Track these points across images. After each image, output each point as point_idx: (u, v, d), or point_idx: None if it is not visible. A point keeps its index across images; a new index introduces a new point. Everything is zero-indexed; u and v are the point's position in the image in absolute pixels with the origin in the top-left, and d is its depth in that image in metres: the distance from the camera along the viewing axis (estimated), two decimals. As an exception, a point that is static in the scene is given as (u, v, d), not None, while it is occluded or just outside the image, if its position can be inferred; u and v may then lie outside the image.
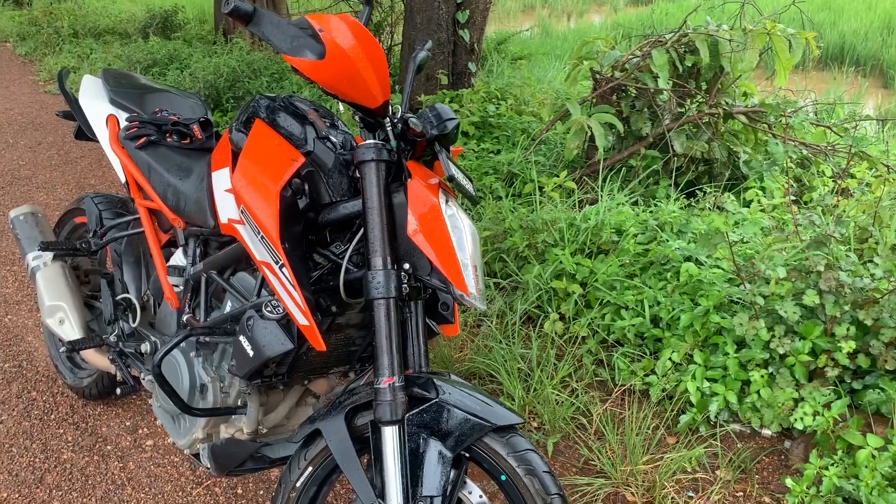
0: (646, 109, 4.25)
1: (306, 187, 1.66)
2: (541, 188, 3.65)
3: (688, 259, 2.79)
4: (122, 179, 2.17)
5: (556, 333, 2.74)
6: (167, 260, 2.11)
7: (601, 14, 14.40)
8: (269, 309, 1.62)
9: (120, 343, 2.18)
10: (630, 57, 4.30)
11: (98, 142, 2.27)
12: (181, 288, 2.03)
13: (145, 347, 2.07)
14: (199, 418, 1.86)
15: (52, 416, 2.55)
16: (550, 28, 11.53)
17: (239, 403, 1.85)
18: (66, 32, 8.58)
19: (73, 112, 2.31)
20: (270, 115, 1.76)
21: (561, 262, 2.91)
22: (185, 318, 1.97)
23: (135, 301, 2.17)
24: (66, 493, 2.22)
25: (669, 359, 2.49)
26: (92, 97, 2.28)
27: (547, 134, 4.54)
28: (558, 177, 3.73)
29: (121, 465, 2.34)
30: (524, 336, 2.81)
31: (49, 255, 2.32)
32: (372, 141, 1.55)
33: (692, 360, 2.46)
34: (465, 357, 2.78)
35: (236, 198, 1.64)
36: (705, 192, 3.63)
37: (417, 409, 1.50)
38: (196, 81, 5.11)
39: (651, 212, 3.19)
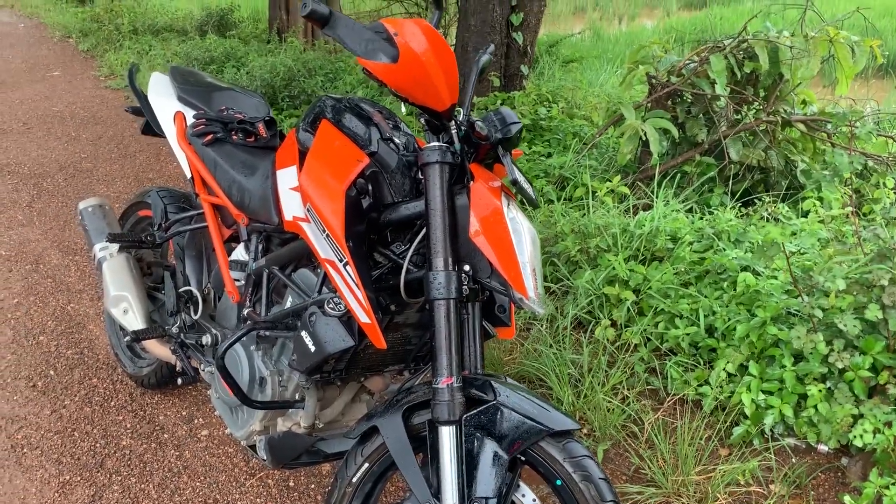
0: (701, 116, 4.20)
1: (370, 187, 1.68)
2: (593, 192, 3.63)
3: (745, 269, 2.75)
4: (188, 175, 2.23)
5: (607, 340, 2.73)
6: (229, 254, 2.16)
7: (653, 18, 14.23)
8: (330, 306, 1.65)
9: (181, 334, 2.24)
10: (687, 62, 4.25)
11: (165, 137, 2.33)
12: (242, 282, 2.08)
13: (206, 339, 2.12)
14: (258, 410, 1.90)
15: (112, 403, 2.63)
16: (602, 31, 11.44)
17: (297, 398, 1.88)
18: (126, 29, 8.81)
19: (142, 108, 2.38)
20: (336, 115, 1.79)
21: (614, 267, 2.89)
22: (245, 311, 2.01)
23: (197, 294, 2.22)
24: (125, 478, 2.28)
25: (724, 369, 2.46)
26: (160, 94, 2.34)
27: (599, 138, 4.51)
28: (611, 181, 3.71)
29: (177, 453, 2.40)
30: (574, 341, 2.80)
31: (115, 246, 2.40)
32: (436, 143, 1.57)
33: (747, 372, 2.42)
34: (515, 360, 2.79)
35: (303, 196, 1.67)
36: (763, 202, 3.57)
37: (475, 411, 1.51)
38: (253, 80, 5.21)
39: (707, 220, 3.14)
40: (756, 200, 3.87)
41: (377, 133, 1.75)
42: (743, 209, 3.70)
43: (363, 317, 1.57)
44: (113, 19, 9.34)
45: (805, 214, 3.60)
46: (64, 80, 7.37)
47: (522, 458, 1.54)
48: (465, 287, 1.56)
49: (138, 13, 9.79)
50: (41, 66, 7.85)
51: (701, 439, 2.31)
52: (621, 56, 8.64)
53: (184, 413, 2.59)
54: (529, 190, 1.65)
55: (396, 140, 1.76)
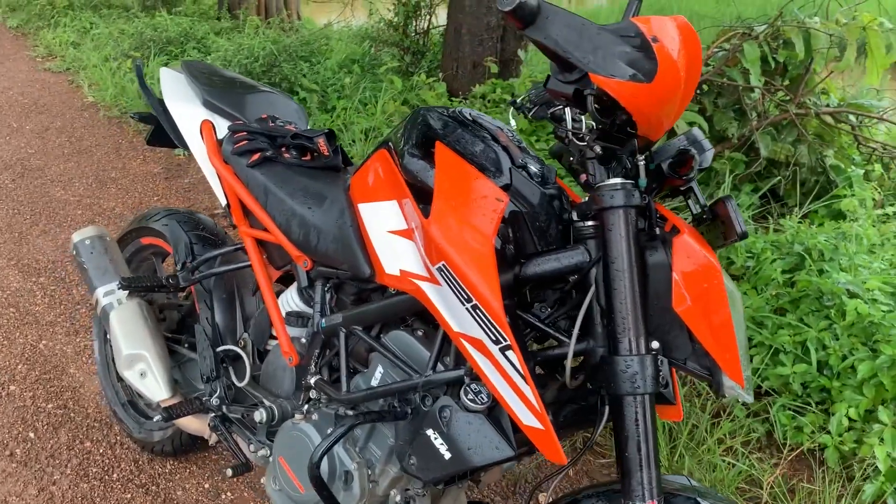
0: (730, 108, 3.93)
1: (510, 233, 1.27)
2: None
3: (854, 295, 2.38)
4: (223, 201, 1.76)
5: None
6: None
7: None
8: (470, 396, 1.24)
9: (223, 406, 1.77)
10: (716, 50, 3.94)
11: (185, 150, 1.85)
12: (304, 341, 1.64)
13: (260, 416, 1.66)
14: (340, 514, 1.47)
15: (115, 476, 2.13)
16: (600, 14, 10.83)
17: (397, 501, 1.46)
18: (61, 4, 7.98)
19: (157, 115, 1.88)
20: (452, 135, 1.36)
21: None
22: (311, 380, 1.57)
23: (242, 355, 1.76)
24: (147, 582, 1.82)
25: (846, 415, 2.14)
26: (179, 98, 1.85)
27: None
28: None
29: (208, 543, 1.94)
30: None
31: (124, 292, 1.90)
32: (619, 180, 1.16)
33: (877, 419, 2.11)
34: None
35: (436, 252, 1.24)
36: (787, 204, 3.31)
37: (687, 544, 1.13)
38: (227, 64, 4.63)
39: (794, 233, 2.75)
40: (782, 199, 3.63)
41: (507, 159, 1.33)
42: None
43: (530, 420, 1.16)
44: (45, -8, 8.45)
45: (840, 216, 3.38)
46: (-5, 61, 6.59)
47: None
48: (663, 377, 1.18)
49: (73, -14, 8.89)
50: (-34, 45, 7.03)
51: (832, 498, 1.99)
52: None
53: (206, 485, 2.12)
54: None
55: (532, 168, 1.34)
